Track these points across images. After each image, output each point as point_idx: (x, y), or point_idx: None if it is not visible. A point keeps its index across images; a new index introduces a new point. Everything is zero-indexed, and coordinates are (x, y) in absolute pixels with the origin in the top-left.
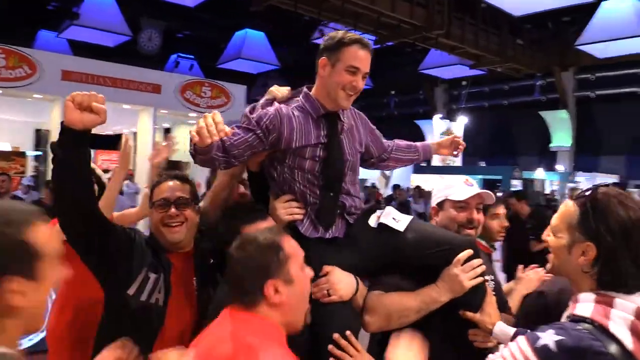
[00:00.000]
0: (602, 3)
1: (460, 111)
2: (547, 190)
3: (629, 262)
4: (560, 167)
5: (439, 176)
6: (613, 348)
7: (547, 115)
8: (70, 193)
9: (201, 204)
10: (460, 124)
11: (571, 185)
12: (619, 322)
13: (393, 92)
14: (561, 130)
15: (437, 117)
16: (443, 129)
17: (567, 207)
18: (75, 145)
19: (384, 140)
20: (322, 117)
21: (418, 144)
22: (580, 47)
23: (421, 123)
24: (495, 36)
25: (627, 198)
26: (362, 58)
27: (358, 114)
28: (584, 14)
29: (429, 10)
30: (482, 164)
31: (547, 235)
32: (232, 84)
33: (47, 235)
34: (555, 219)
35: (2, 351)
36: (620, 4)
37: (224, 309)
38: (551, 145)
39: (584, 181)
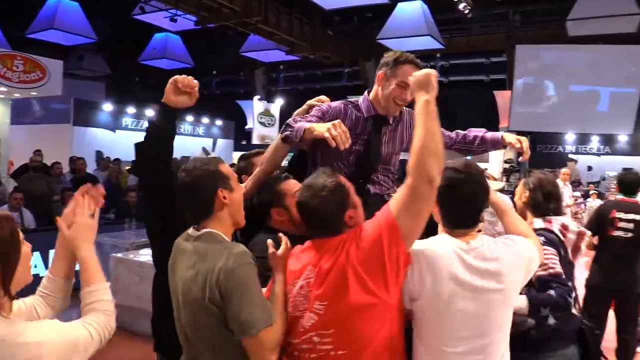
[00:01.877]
0: (398, 4)
1: (278, 93)
2: None
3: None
4: None
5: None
6: (554, 235)
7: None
8: (157, 151)
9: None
10: (277, 105)
11: None
12: (555, 227)
13: (215, 73)
14: None
15: (256, 98)
16: (261, 109)
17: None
18: (167, 119)
19: (447, 134)
20: (371, 117)
21: (488, 135)
22: (381, 41)
23: (242, 103)
24: (309, 26)
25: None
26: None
27: (411, 113)
28: (384, 12)
29: None
30: None
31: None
32: (47, 59)
33: (227, 167)
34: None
35: (242, 250)
36: (411, 5)
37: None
38: None
39: None
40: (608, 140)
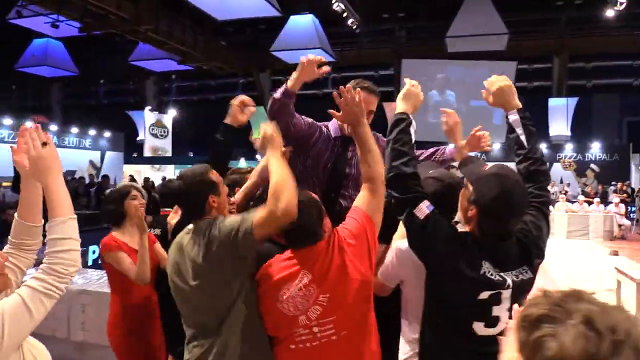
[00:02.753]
0: (291, 17)
1: (171, 104)
2: None
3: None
4: (259, 157)
5: (150, 166)
6: None
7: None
8: (221, 167)
9: (234, 198)
10: (170, 116)
11: None
12: None
13: (102, 81)
14: (260, 124)
15: (147, 109)
16: (153, 121)
17: None
18: (230, 137)
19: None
20: (339, 138)
21: (447, 148)
22: (274, 53)
23: (132, 114)
24: (202, 36)
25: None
26: (368, 101)
27: (377, 136)
28: (277, 24)
29: (138, 6)
30: (191, 154)
31: None
32: None
33: (216, 174)
34: None
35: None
36: (303, 19)
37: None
38: (252, 137)
39: None
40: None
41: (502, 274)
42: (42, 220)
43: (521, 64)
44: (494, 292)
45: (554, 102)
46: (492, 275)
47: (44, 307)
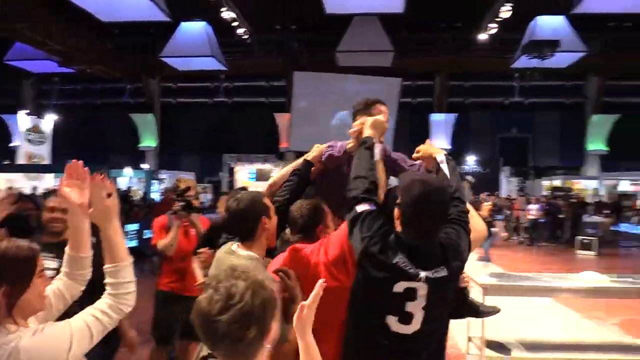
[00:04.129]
0: (182, 23)
1: (52, 108)
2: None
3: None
4: (146, 166)
5: (23, 175)
6: None
7: (137, 118)
8: (297, 196)
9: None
10: (49, 120)
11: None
12: None
13: None
14: (148, 132)
15: (22, 113)
16: (29, 125)
17: None
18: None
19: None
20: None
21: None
22: (164, 59)
23: (6, 117)
24: (85, 37)
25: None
26: (385, 110)
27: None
28: (167, 29)
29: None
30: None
31: None
32: None
33: (268, 199)
34: None
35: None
36: (195, 26)
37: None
38: (140, 145)
39: (168, 178)
40: None
41: (417, 269)
42: (92, 251)
43: (406, 80)
44: (408, 286)
45: (435, 117)
46: (405, 266)
47: (100, 335)
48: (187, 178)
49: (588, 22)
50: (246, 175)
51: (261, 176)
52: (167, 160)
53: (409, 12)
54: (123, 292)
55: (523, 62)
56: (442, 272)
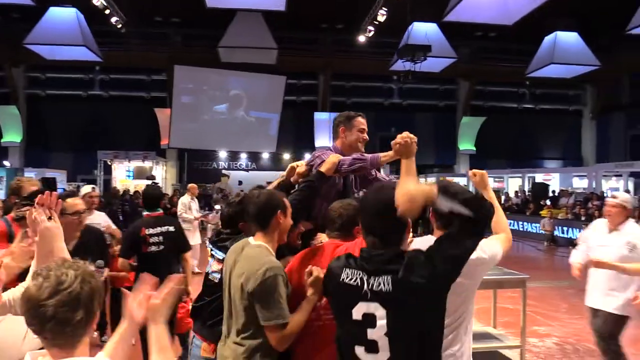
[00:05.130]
0: (50, 8)
1: None
2: None
3: None
4: (9, 163)
5: None
6: None
7: None
8: (308, 204)
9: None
10: None
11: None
12: None
13: None
14: (13, 126)
15: None
16: None
17: None
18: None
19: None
20: None
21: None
22: (29, 47)
23: None
24: None
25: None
26: (365, 123)
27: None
28: (33, 14)
29: None
30: None
31: None
32: None
33: (287, 200)
34: None
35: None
36: (65, 12)
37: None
38: (2, 141)
39: (34, 176)
40: (254, 157)
41: (364, 278)
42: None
43: (291, 79)
44: (366, 312)
45: (319, 116)
46: (351, 280)
47: None
48: (30, 178)
49: (458, 30)
50: (123, 174)
51: (139, 174)
52: (34, 158)
53: (290, 10)
54: None
55: (399, 65)
56: (387, 286)
